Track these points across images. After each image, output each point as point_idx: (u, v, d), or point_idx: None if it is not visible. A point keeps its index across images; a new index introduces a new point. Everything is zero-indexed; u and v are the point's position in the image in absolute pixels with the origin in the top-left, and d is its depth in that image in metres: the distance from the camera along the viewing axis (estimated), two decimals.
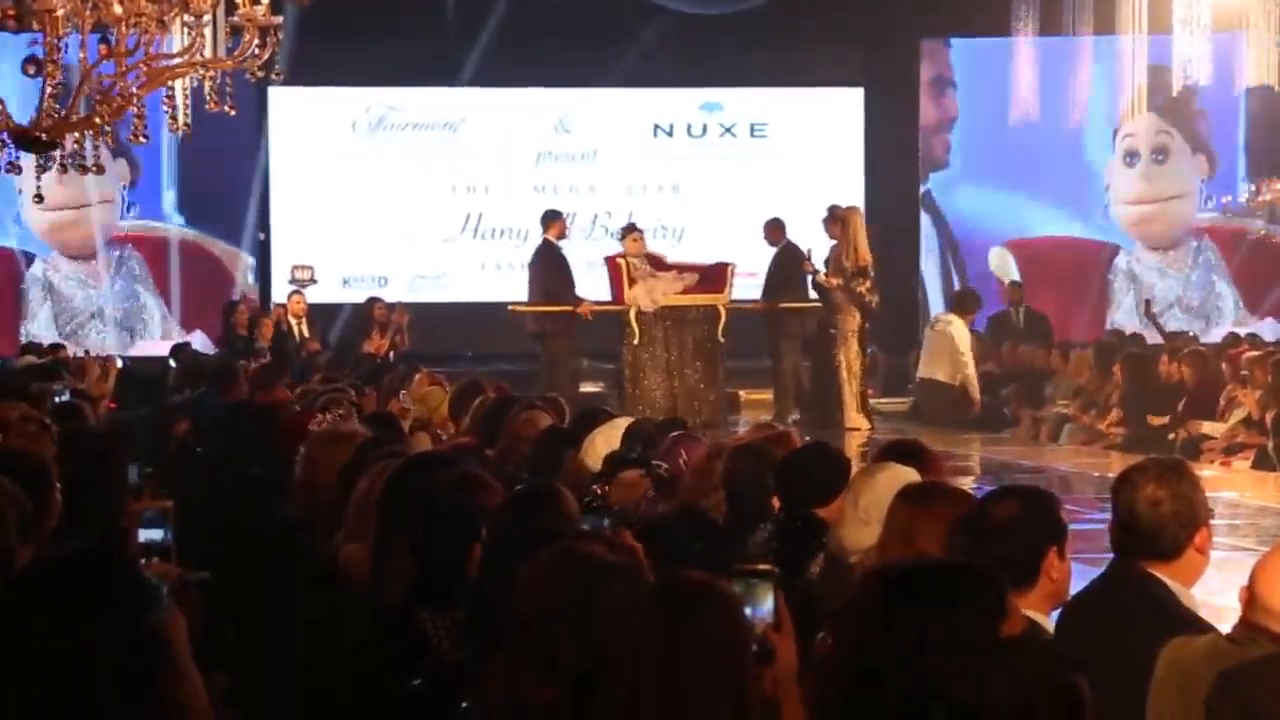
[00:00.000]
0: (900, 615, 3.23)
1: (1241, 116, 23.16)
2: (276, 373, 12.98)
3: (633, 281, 16.96)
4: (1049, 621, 4.48)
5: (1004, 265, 22.89)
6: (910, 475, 5.34)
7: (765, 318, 17.73)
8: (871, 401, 19.95)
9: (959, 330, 19.42)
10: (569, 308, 17.34)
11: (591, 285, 17.79)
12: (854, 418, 16.53)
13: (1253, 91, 22.55)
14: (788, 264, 17.92)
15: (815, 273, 17.26)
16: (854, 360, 17.02)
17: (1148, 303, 21.92)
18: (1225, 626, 4.52)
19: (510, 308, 18.17)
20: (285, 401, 9.57)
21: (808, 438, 7.53)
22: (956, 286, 22.12)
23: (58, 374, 12.89)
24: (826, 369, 17.10)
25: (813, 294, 17.84)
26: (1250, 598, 4.42)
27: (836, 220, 17.37)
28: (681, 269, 17.46)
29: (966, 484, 6.88)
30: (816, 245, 17.52)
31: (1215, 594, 4.89)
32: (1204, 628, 4.58)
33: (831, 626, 3.62)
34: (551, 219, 18.16)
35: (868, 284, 17.12)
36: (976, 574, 3.43)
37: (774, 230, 18.13)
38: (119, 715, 3.27)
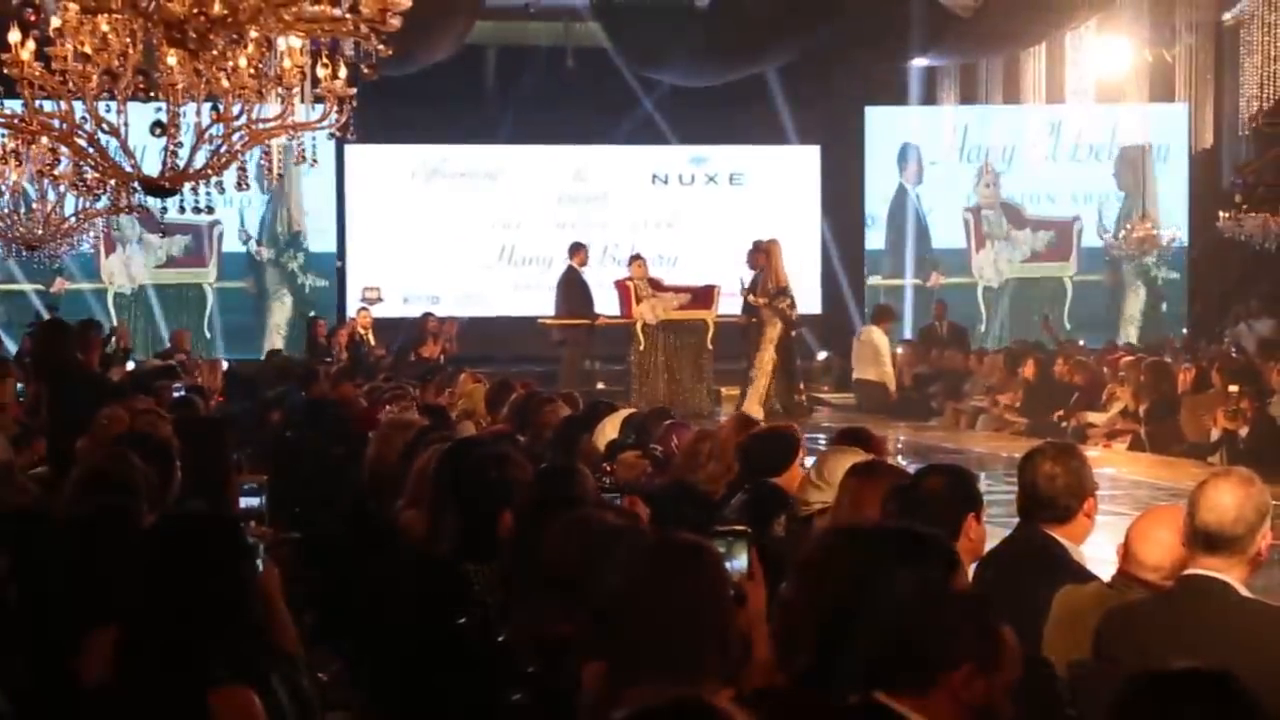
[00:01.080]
0: (867, 569, 3.23)
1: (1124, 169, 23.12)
2: (348, 373, 12.98)
3: (639, 300, 16.96)
4: (968, 573, 4.48)
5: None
6: (862, 456, 5.34)
7: (745, 329, 17.75)
8: (825, 396, 20.06)
9: (879, 337, 19.56)
10: (587, 320, 17.41)
11: (604, 302, 17.85)
12: (753, 408, 16.12)
13: (1125, 149, 22.62)
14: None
15: (747, 294, 17.10)
16: (768, 363, 16.77)
17: (1045, 316, 21.90)
18: (1106, 576, 4.53)
19: (538, 321, 18.20)
20: (353, 396, 9.54)
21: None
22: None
23: (175, 374, 12.88)
24: (707, 373, 16.97)
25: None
26: (1125, 553, 4.43)
27: (761, 251, 17.14)
28: (677, 290, 17.47)
29: (901, 463, 6.85)
30: (746, 273, 17.49)
31: (1099, 549, 4.87)
32: (1090, 577, 4.57)
33: (798, 576, 3.61)
34: (576, 249, 18.21)
35: (787, 301, 16.96)
36: (933, 539, 3.43)
37: (756, 255, 18.18)
38: (228, 648, 3.28)
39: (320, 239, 21.98)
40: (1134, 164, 22.64)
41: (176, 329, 19.98)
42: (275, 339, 21.20)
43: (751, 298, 17.06)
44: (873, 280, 22.81)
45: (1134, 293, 23.12)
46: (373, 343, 18.74)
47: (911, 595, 3.12)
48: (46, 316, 16.30)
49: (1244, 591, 4.02)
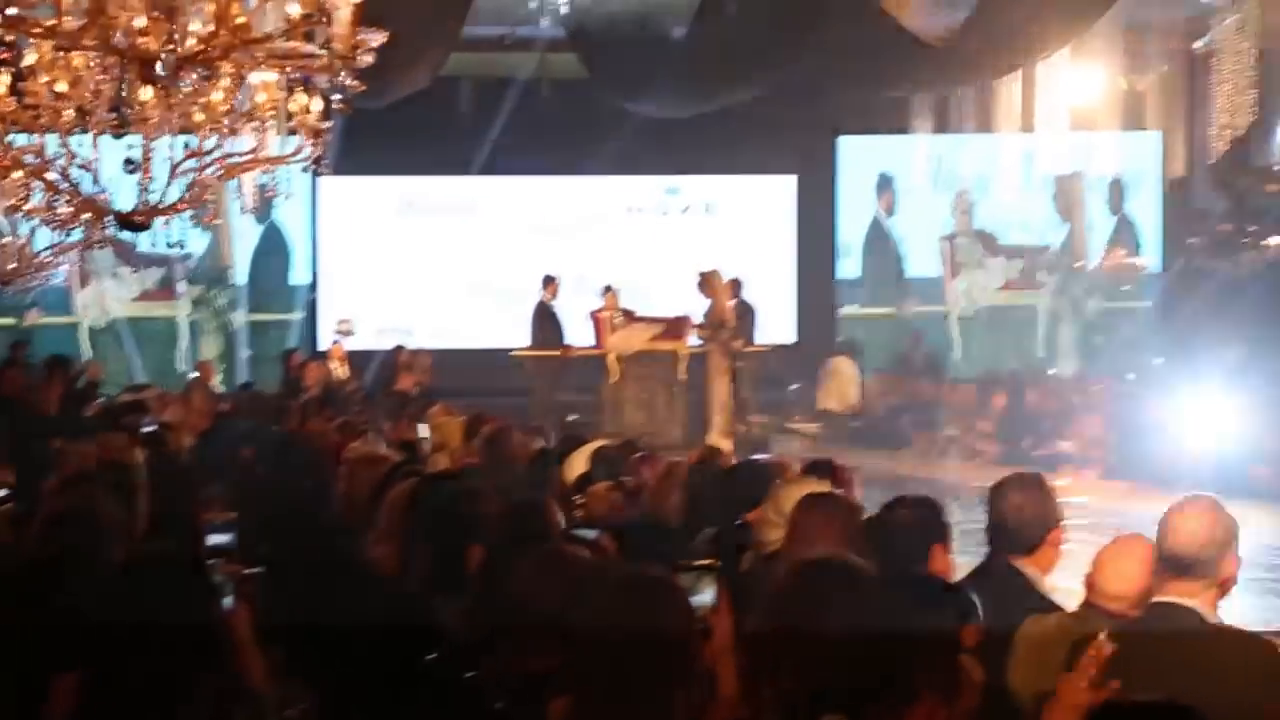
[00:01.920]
0: (831, 601, 3.26)
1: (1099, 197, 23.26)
2: (318, 407, 12.96)
3: (612, 331, 16.97)
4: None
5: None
6: (821, 487, 5.34)
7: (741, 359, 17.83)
8: (797, 426, 20.10)
9: (844, 367, 19.67)
10: (556, 353, 17.42)
11: (579, 334, 17.87)
12: (717, 439, 16.06)
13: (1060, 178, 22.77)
14: (740, 317, 18.01)
15: (695, 327, 16.96)
16: (723, 394, 16.60)
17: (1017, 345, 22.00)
18: (1074, 604, 4.56)
19: (511, 354, 18.22)
20: (324, 431, 9.53)
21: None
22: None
23: (144, 408, 12.84)
24: (682, 405, 16.83)
25: (758, 340, 17.96)
26: (1091, 583, 4.46)
27: (706, 283, 17.01)
28: (650, 321, 17.47)
29: (873, 493, 6.88)
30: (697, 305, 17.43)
31: (1066, 578, 4.91)
32: (1054, 607, 4.61)
33: (764, 609, 3.63)
34: (547, 282, 18.26)
35: (729, 332, 16.71)
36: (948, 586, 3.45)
37: (702, 287, 18.22)
38: (193, 686, 3.28)
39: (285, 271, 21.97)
40: (1068, 193, 22.80)
41: (200, 360, 19.86)
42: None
43: (698, 331, 16.93)
44: (847, 309, 22.88)
45: (1065, 324, 23.20)
46: (346, 375, 18.71)
47: (877, 631, 3.15)
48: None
49: (1213, 618, 4.05)
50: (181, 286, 21.45)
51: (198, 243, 21.16)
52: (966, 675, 3.09)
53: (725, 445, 15.54)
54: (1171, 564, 4.03)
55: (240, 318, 21.78)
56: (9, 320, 20.55)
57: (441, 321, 21.66)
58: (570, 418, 17.21)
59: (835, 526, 4.56)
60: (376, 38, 5.79)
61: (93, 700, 3.21)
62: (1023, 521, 4.74)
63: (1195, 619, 4.01)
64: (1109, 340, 22.79)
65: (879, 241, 23.07)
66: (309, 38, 5.99)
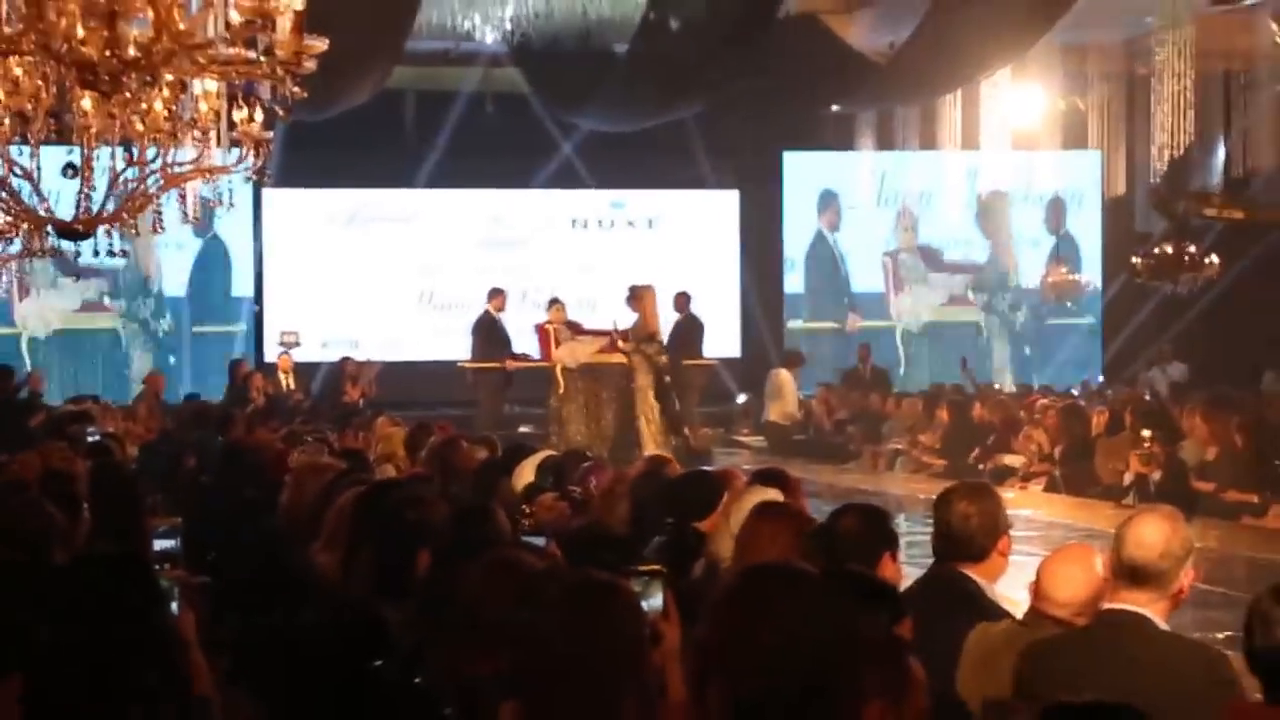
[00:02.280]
0: (779, 608, 3.25)
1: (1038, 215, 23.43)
2: (262, 417, 12.90)
3: (558, 344, 16.94)
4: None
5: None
6: (772, 496, 5.35)
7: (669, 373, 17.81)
8: (744, 439, 20.17)
9: (783, 379, 19.79)
10: (496, 365, 17.38)
11: (524, 347, 17.87)
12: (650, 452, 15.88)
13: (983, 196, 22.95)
14: (688, 330, 18.04)
15: (621, 340, 16.75)
16: (651, 409, 16.47)
17: (964, 360, 22.11)
18: (1020, 613, 4.57)
19: (457, 365, 18.17)
20: (269, 441, 9.46)
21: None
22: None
23: (89, 418, 12.75)
24: (628, 418, 16.61)
25: (707, 353, 18.00)
26: (1036, 591, 4.47)
27: (635, 297, 16.91)
28: (596, 334, 17.45)
29: (820, 505, 6.89)
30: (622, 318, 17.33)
31: (1013, 587, 4.91)
32: (1004, 615, 4.61)
33: (711, 615, 3.62)
34: (493, 295, 18.26)
35: (655, 347, 16.60)
36: (879, 585, 3.44)
37: (681, 300, 18.28)
38: (136, 691, 3.25)
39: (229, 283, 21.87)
40: (993, 211, 22.99)
41: (151, 371, 19.65)
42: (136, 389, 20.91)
43: (622, 345, 16.82)
44: (792, 324, 22.95)
45: (1000, 339, 23.35)
46: (292, 386, 18.62)
47: (825, 634, 3.14)
48: None
49: (1164, 626, 4.07)
50: (105, 300, 21.19)
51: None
52: (914, 677, 3.09)
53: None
54: (1127, 573, 4.06)
55: (165, 326, 21.60)
56: None
57: (387, 333, 21.58)
58: (521, 429, 17.18)
59: (787, 535, 4.57)
60: (319, 44, 5.75)
61: (37, 704, 3.17)
62: (970, 530, 4.74)
63: (1148, 626, 4.04)
64: (1048, 356, 22.98)
65: (823, 257, 23.15)
66: (251, 45, 5.95)
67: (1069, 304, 22.91)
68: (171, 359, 21.46)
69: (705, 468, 7.30)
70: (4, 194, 8.04)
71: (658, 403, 16.46)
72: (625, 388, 16.80)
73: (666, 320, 17.73)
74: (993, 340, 23.28)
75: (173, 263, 21.60)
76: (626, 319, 16.90)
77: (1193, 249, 18.61)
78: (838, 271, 23.13)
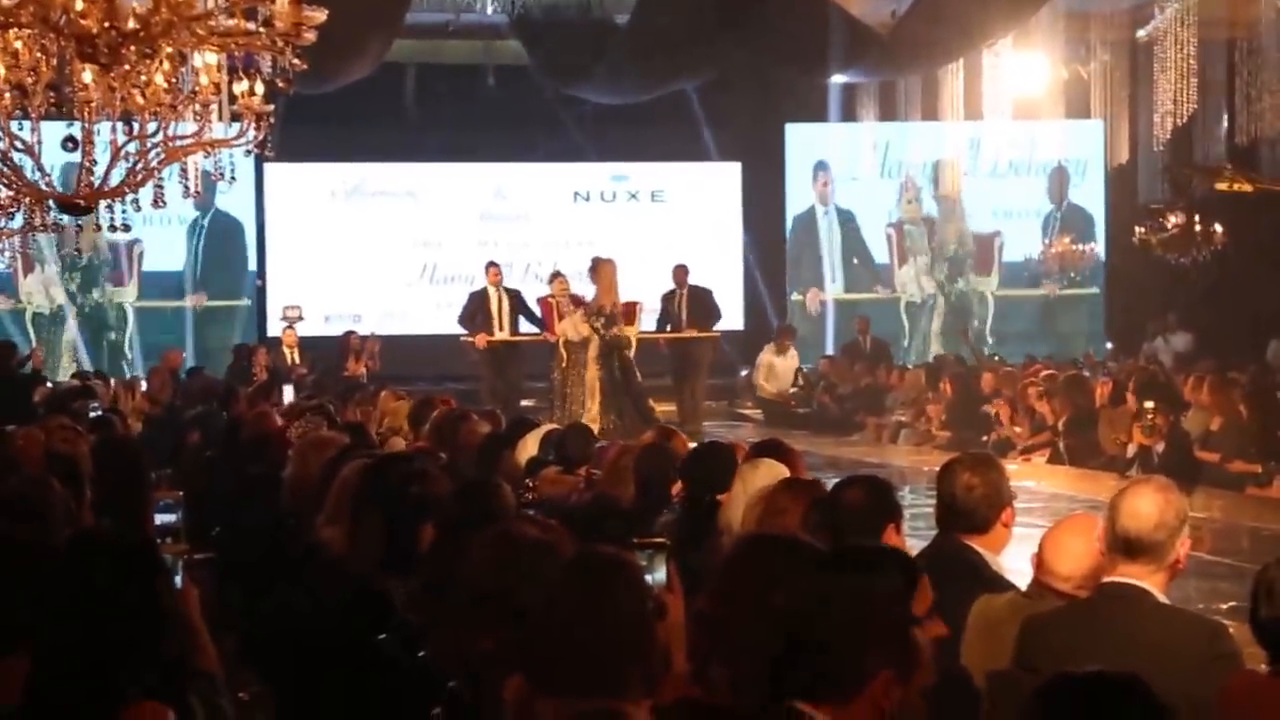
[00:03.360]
0: (783, 578, 3.24)
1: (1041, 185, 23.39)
2: (265, 392, 12.91)
3: (560, 317, 16.91)
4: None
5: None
6: (782, 469, 5.35)
7: (674, 345, 17.83)
8: (747, 412, 20.21)
9: (771, 355, 19.92)
10: (473, 340, 17.45)
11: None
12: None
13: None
14: (700, 301, 18.04)
15: (580, 309, 16.60)
16: (594, 382, 16.31)
17: (965, 331, 22.10)
18: (1024, 585, 4.56)
19: (461, 339, 18.15)
20: (269, 415, 9.47)
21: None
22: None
23: (92, 394, 12.76)
24: (576, 389, 16.41)
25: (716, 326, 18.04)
26: (1039, 563, 4.47)
27: (593, 269, 16.84)
28: None
29: (825, 476, 6.89)
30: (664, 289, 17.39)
31: (1017, 558, 4.91)
32: (1007, 587, 4.60)
33: (713, 586, 3.61)
34: (488, 268, 18.19)
35: (601, 320, 16.38)
36: (896, 556, 3.44)
37: (681, 273, 18.27)
38: (144, 666, 3.25)
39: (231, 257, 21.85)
40: (1060, 180, 23.01)
41: (171, 348, 19.58)
42: (67, 360, 20.84)
43: (580, 320, 16.58)
44: (795, 296, 22.94)
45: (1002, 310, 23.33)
46: (296, 361, 18.62)
47: (826, 605, 3.13)
48: None
49: (1163, 598, 4.06)
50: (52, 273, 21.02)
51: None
52: (921, 650, 3.08)
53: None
54: (1123, 546, 4.04)
55: (169, 301, 21.54)
56: None
57: (389, 307, 21.59)
58: (524, 403, 17.15)
59: (802, 507, 4.56)
60: (318, 15, 5.73)
61: (39, 681, 3.17)
62: (974, 501, 4.73)
63: (1147, 599, 4.03)
64: (1050, 326, 22.95)
65: (821, 228, 23.12)
66: (250, 16, 5.94)
67: (1072, 274, 22.87)
68: (176, 334, 21.45)
69: (712, 439, 7.26)
70: (5, 168, 8.01)
71: (604, 376, 16.37)
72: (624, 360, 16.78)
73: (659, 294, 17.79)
74: (994, 311, 23.26)
75: (173, 237, 21.57)
76: (632, 292, 16.90)
77: (1199, 218, 18.59)
78: (841, 243, 23.10)
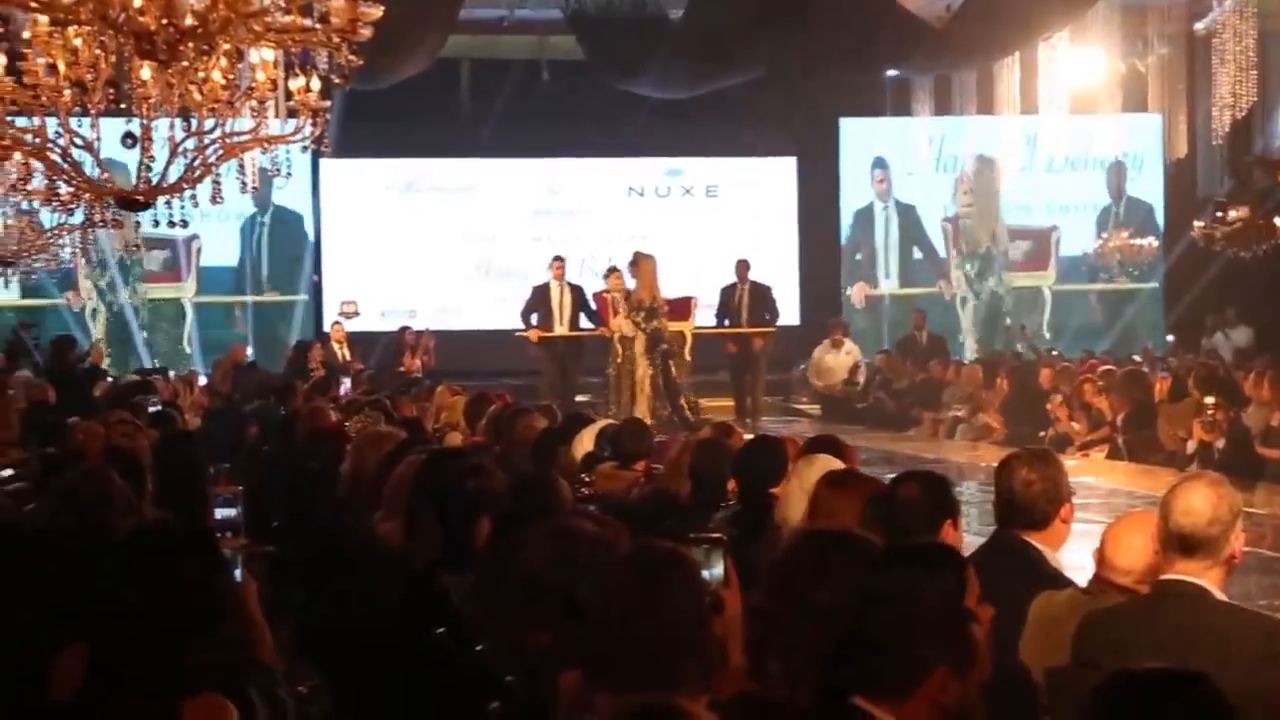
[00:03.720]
0: (841, 574, 3.23)
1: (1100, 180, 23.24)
2: (323, 387, 12.99)
3: (615, 312, 16.92)
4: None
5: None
6: (836, 463, 5.33)
7: (737, 339, 17.84)
8: (803, 406, 20.19)
9: (824, 351, 19.91)
10: (528, 335, 17.51)
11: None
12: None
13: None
14: (759, 297, 17.99)
15: (617, 313, 16.67)
16: (644, 378, 16.38)
17: (1022, 326, 21.97)
18: (1083, 583, 4.53)
19: (515, 334, 18.19)
20: (324, 410, 9.53)
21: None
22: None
23: (152, 389, 12.86)
24: (626, 384, 16.50)
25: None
26: (1100, 558, 4.43)
27: (634, 264, 16.80)
28: None
29: (881, 472, 6.85)
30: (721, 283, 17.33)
31: (1075, 554, 4.87)
32: (1066, 583, 4.57)
33: (769, 581, 3.60)
34: (552, 262, 18.21)
35: (642, 315, 16.45)
36: (946, 551, 3.42)
37: (743, 268, 18.28)
38: (204, 659, 3.26)
39: (289, 253, 21.95)
40: (1118, 175, 22.86)
41: (236, 343, 19.67)
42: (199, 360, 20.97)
43: (622, 316, 16.67)
44: (850, 291, 22.88)
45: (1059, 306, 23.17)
46: (348, 357, 18.70)
47: (882, 600, 3.12)
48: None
49: (1220, 595, 4.02)
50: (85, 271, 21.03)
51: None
52: (978, 646, 3.06)
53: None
54: (1178, 543, 4.00)
55: (228, 297, 21.64)
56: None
57: (444, 303, 21.66)
58: (581, 398, 17.15)
59: (859, 503, 4.55)
60: (374, 11, 5.75)
61: (100, 671, 3.19)
62: (1032, 497, 4.70)
63: (1205, 596, 3.99)
64: (1109, 321, 22.79)
65: (880, 223, 23.05)
66: (307, 12, 5.96)
67: (1131, 269, 22.70)
68: (234, 329, 21.58)
69: (767, 434, 7.24)
70: (66, 165, 8.08)
71: (651, 370, 16.37)
72: (681, 356, 16.78)
73: (714, 289, 17.73)
74: (1052, 306, 23.12)
75: (230, 233, 21.71)
76: (686, 287, 16.90)
77: (1263, 212, 18.42)
78: (897, 239, 23.03)
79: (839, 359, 20.15)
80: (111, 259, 21.13)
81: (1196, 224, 19.23)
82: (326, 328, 20.55)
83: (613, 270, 17.58)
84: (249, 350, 19.89)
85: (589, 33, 20.04)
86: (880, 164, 22.94)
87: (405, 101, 19.47)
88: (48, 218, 13.46)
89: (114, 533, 4.20)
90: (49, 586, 3.29)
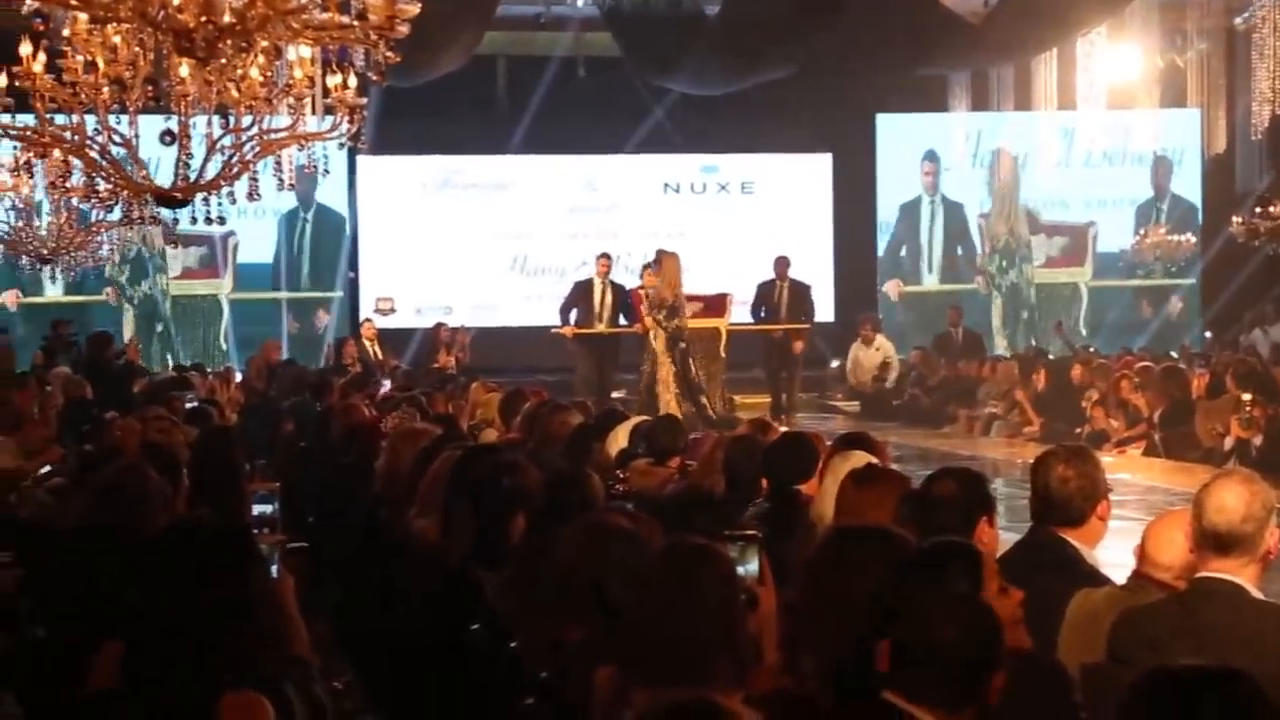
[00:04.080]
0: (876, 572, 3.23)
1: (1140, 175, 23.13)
2: (359, 384, 13.02)
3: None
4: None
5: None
6: (868, 460, 5.32)
7: (772, 336, 17.82)
8: (838, 403, 20.16)
9: (857, 349, 19.92)
10: (565, 331, 17.49)
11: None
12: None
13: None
14: (797, 294, 18.09)
15: (644, 303, 16.53)
16: (668, 376, 16.27)
17: (1059, 323, 21.87)
18: (1120, 580, 4.51)
19: (551, 330, 18.18)
20: (358, 407, 9.55)
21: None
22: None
23: (189, 385, 12.91)
24: (651, 382, 16.37)
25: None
26: (1141, 554, 4.42)
27: (657, 261, 16.69)
28: (689, 299, 17.38)
29: (916, 469, 6.83)
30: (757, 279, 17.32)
31: (1112, 552, 4.85)
32: (1103, 580, 4.56)
33: (803, 579, 3.59)
34: (598, 259, 18.18)
35: (663, 313, 16.29)
36: (964, 549, 3.41)
37: (782, 265, 18.26)
38: (240, 654, 3.27)
39: (329, 250, 22.02)
40: (1158, 170, 22.77)
41: (269, 340, 19.64)
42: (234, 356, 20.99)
43: (646, 315, 16.53)
44: (886, 287, 22.83)
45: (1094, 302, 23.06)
46: (379, 354, 18.74)
47: (913, 597, 3.11)
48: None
49: (1256, 593, 4.01)
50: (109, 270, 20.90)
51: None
52: (1007, 645, 3.05)
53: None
54: (1212, 541, 4.00)
55: (262, 294, 21.73)
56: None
57: (480, 299, 21.68)
58: (616, 395, 17.13)
59: (891, 500, 4.54)
60: (411, 8, 5.76)
61: (135, 663, 3.21)
62: (1069, 494, 4.68)
63: (1241, 594, 3.97)
64: (1146, 318, 22.69)
65: (919, 219, 22.99)
66: (344, 9, 5.98)
67: (1169, 265, 22.58)
68: (270, 326, 21.62)
69: (799, 430, 7.22)
70: (104, 162, 8.12)
71: (675, 368, 16.34)
72: (716, 352, 16.77)
73: (750, 285, 17.71)
74: (1088, 302, 23.02)
75: (267, 230, 21.78)
76: (721, 284, 16.86)
77: None
78: (932, 235, 22.96)
79: (870, 355, 20.12)
80: (146, 255, 21.22)
81: (1236, 219, 19.10)
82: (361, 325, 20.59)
83: (647, 267, 17.57)
84: (284, 347, 19.93)
85: (625, 29, 20.02)
86: (931, 156, 22.86)
87: (441, 98, 19.49)
88: (89, 214, 13.56)
89: (151, 529, 4.22)
90: (87, 583, 3.32)
